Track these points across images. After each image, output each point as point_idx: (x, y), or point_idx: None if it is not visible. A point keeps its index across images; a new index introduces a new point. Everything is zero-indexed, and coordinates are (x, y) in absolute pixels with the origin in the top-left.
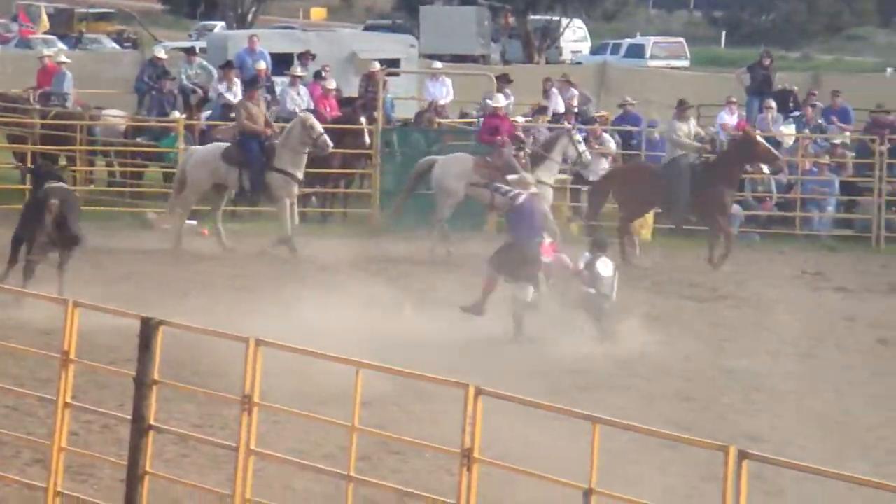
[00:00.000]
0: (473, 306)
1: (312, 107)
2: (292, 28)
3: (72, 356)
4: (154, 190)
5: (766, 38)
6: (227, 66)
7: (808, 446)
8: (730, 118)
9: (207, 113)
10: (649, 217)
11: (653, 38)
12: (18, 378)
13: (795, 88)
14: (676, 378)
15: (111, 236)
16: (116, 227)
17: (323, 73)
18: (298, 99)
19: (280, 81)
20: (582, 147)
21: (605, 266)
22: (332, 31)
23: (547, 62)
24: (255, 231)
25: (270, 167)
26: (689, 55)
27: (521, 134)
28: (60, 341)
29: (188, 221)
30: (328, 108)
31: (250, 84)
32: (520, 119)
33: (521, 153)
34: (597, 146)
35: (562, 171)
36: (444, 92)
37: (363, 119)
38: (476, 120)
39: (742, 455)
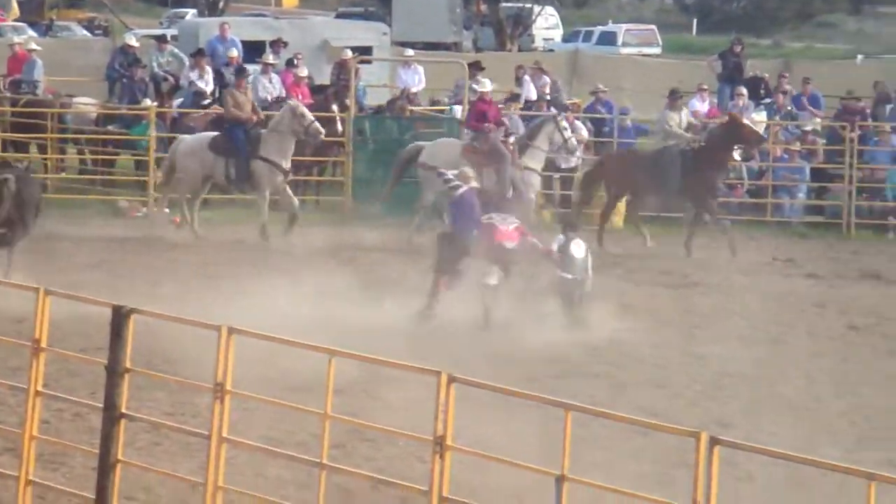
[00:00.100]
0: (426, 310)
1: (284, 94)
2: (264, 16)
3: (43, 344)
4: (125, 178)
5: (738, 25)
6: (198, 54)
7: (778, 432)
8: (701, 105)
9: (179, 101)
10: (620, 204)
11: (624, 26)
12: None
13: (766, 76)
14: (648, 365)
15: (82, 224)
16: (88, 214)
17: (295, 61)
18: (270, 87)
19: (252, 69)
20: (568, 133)
21: (578, 248)
22: (303, 19)
23: (519, 50)
24: (226, 219)
25: (256, 156)
26: (660, 42)
27: (506, 120)
28: (31, 329)
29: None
30: (300, 96)
31: (238, 73)
32: None
33: (509, 139)
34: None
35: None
36: (416, 79)
37: (335, 107)
38: (447, 108)
39: (713, 441)
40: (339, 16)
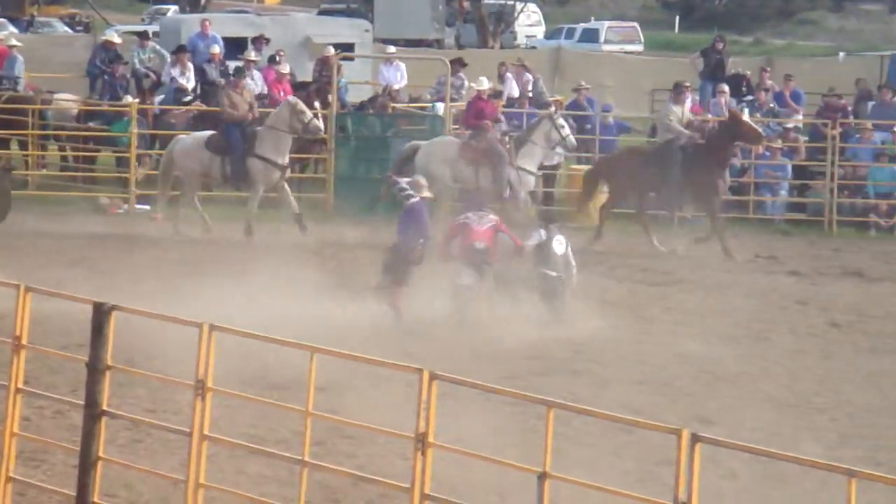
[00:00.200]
0: (395, 318)
1: (266, 91)
2: (246, 12)
3: (24, 341)
4: (107, 174)
5: (720, 22)
6: (179, 51)
7: (760, 429)
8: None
9: (160, 97)
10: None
11: (607, 23)
12: None
13: (748, 73)
14: (630, 362)
15: (63, 221)
16: (69, 211)
17: (277, 58)
18: (252, 83)
19: (233, 66)
20: (566, 131)
21: (559, 244)
22: (286, 16)
23: (502, 47)
24: (210, 217)
25: (251, 153)
26: (643, 39)
27: (503, 118)
28: (12, 326)
29: (139, 206)
30: (282, 93)
31: (236, 73)
32: None
33: (505, 137)
34: None
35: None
36: (398, 76)
37: (317, 104)
38: (430, 105)
39: (695, 438)
40: (321, 12)
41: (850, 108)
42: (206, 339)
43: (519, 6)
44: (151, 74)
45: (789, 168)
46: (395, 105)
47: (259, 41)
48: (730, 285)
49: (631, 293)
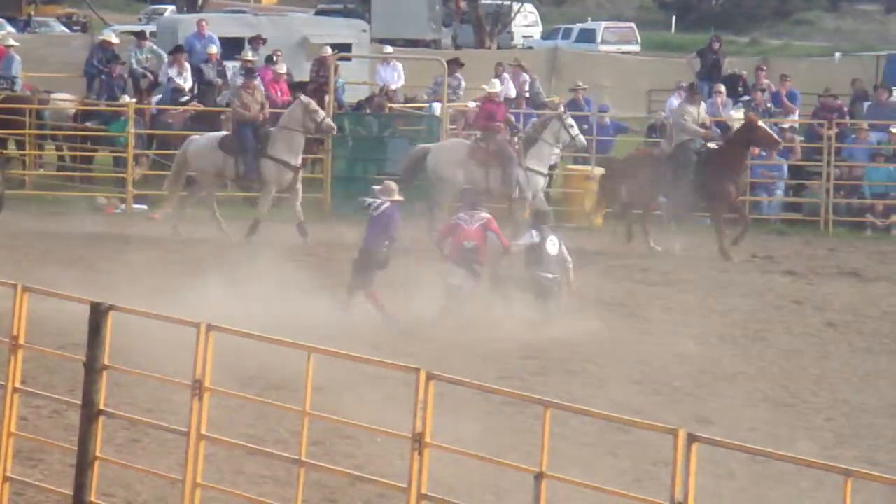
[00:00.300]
0: (383, 316)
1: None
2: (243, 12)
3: (21, 341)
4: (104, 174)
5: (716, 22)
6: (177, 51)
7: (757, 428)
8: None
9: (157, 97)
10: (603, 202)
11: (604, 23)
12: None
13: (744, 73)
14: (627, 362)
15: (61, 221)
16: (66, 211)
17: (274, 58)
18: None
19: (231, 66)
20: (575, 131)
21: (552, 245)
22: (283, 16)
23: (498, 47)
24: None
25: (264, 154)
26: (639, 40)
27: (512, 118)
28: (9, 326)
29: (136, 206)
30: (279, 93)
31: (247, 74)
32: (471, 104)
33: (514, 139)
34: None
35: None
36: (395, 77)
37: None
38: (427, 105)
39: (692, 438)
40: (318, 13)
41: (846, 109)
42: (203, 338)
43: (516, 6)
44: (149, 74)
45: (785, 168)
46: (392, 105)
47: (256, 41)
48: (726, 285)
49: (628, 293)
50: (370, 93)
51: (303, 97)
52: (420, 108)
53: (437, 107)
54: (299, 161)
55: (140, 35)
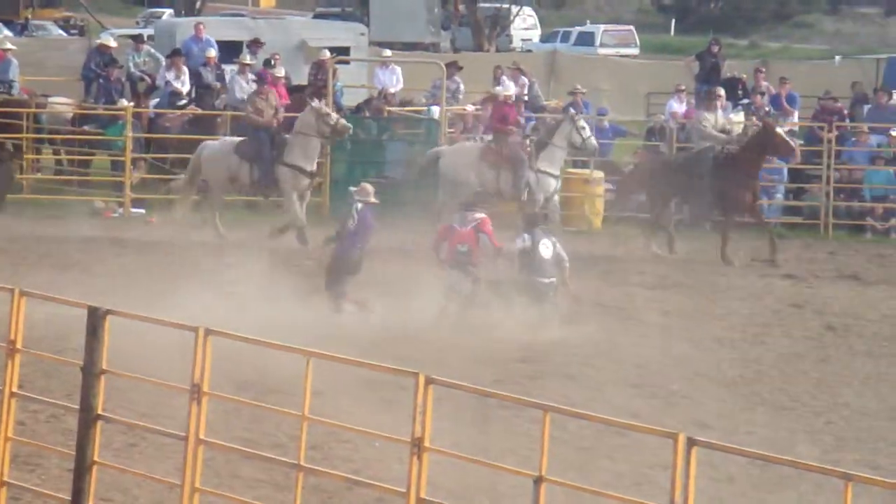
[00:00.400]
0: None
1: None
2: (241, 16)
3: (18, 345)
4: (101, 178)
5: (715, 25)
6: (174, 54)
7: (756, 432)
8: (679, 106)
9: (155, 101)
10: (599, 205)
11: (602, 26)
12: None
13: (744, 76)
14: (625, 365)
15: (58, 225)
16: (64, 215)
17: (272, 61)
18: (247, 87)
19: (229, 69)
20: (587, 133)
21: (545, 248)
22: (281, 19)
23: (497, 50)
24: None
25: (280, 161)
26: (638, 43)
27: (522, 120)
28: (6, 330)
29: (134, 210)
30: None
31: (259, 80)
32: (469, 107)
33: (526, 141)
34: None
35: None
36: (393, 80)
37: None
38: (425, 108)
39: (691, 442)
40: (316, 16)
41: (845, 112)
42: (201, 343)
43: (514, 10)
44: (146, 78)
45: (785, 171)
46: (390, 108)
47: (254, 45)
48: (725, 289)
49: (626, 296)
50: (369, 96)
51: (314, 103)
52: (419, 112)
53: (435, 110)
54: (314, 167)
55: (138, 39)
